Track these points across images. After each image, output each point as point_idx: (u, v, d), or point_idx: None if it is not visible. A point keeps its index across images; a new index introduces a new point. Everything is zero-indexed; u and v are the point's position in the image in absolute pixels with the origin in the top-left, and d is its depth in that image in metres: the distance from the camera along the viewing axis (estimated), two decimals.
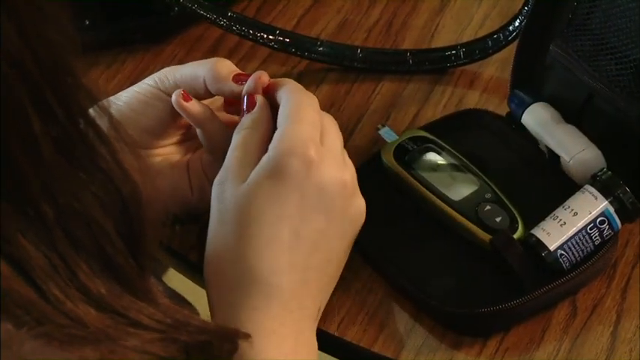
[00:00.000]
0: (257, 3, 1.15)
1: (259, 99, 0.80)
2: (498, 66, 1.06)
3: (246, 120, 0.79)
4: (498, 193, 0.90)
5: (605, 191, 0.86)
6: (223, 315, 0.73)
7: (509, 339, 0.86)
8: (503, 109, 0.99)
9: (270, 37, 1.07)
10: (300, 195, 0.73)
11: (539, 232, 0.86)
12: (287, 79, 0.81)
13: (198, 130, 0.85)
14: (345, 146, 0.99)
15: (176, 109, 0.83)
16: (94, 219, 0.54)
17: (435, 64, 1.06)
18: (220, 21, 1.07)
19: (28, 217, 0.52)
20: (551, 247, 0.85)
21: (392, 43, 1.10)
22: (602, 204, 0.86)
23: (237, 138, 0.78)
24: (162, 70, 0.86)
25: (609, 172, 0.87)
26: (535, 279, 0.85)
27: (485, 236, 0.88)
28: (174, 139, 0.87)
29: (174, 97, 0.83)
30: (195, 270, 0.89)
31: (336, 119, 1.03)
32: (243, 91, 0.82)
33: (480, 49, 1.05)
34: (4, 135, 0.50)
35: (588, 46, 0.92)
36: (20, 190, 0.51)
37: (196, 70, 0.84)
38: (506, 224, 0.88)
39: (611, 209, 0.86)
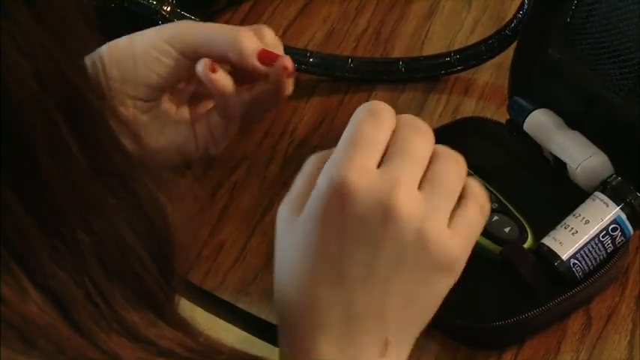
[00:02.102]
0: (241, 14, 1.13)
1: None
2: (493, 72, 1.04)
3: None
4: (505, 202, 0.89)
5: (616, 197, 0.85)
6: (294, 347, 0.70)
7: (524, 352, 0.84)
8: (501, 116, 0.97)
9: None
10: (338, 230, 0.67)
11: (550, 242, 0.85)
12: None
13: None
14: None
15: (202, 78, 0.86)
16: (127, 243, 0.53)
17: (429, 72, 1.04)
18: None
19: (63, 246, 0.50)
20: (564, 257, 0.84)
21: (382, 52, 1.08)
22: (614, 210, 0.84)
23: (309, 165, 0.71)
24: (176, 26, 0.87)
25: (619, 178, 0.86)
26: (548, 289, 0.84)
27: (495, 247, 0.86)
28: (182, 96, 0.87)
29: (200, 67, 0.85)
30: (208, 298, 0.86)
31: (329, 132, 1.02)
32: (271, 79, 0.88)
33: (474, 55, 1.03)
34: (41, 158, 0.48)
35: (589, 50, 0.90)
36: (56, 217, 0.49)
37: (217, 39, 0.87)
38: (516, 234, 0.87)
39: (623, 216, 0.85)
